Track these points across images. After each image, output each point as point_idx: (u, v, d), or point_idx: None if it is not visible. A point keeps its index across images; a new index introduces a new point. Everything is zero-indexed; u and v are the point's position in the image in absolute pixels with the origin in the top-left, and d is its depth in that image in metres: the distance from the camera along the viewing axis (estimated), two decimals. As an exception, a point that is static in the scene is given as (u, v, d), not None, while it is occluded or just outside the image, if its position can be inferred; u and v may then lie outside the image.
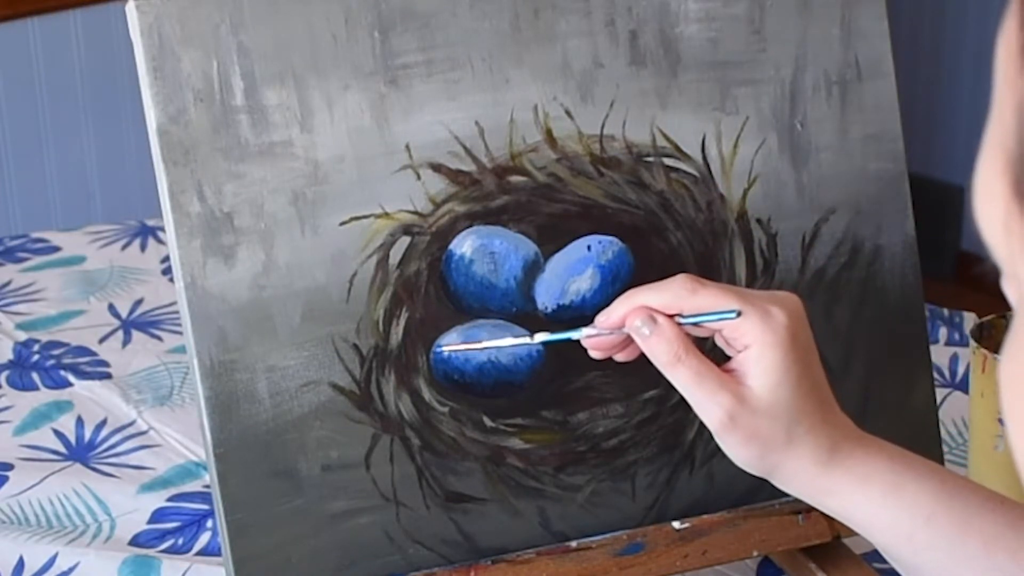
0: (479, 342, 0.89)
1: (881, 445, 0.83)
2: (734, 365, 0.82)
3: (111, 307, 1.44)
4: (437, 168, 0.90)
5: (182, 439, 1.22)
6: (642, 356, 0.84)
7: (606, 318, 0.84)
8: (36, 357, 1.35)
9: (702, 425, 0.82)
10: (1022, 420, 0.46)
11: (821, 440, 0.82)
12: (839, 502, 0.82)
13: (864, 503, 0.81)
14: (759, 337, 0.81)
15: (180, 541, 1.10)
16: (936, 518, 0.80)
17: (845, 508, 0.82)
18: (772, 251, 0.96)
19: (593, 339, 0.85)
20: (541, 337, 0.87)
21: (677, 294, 0.83)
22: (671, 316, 0.83)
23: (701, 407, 0.82)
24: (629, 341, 0.84)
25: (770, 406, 0.81)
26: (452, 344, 0.90)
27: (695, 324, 0.82)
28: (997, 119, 0.44)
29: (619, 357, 0.86)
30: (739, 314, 0.81)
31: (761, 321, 0.81)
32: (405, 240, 0.90)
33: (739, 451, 0.82)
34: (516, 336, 0.90)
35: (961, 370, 1.30)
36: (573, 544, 0.93)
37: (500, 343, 0.89)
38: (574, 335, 0.86)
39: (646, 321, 0.82)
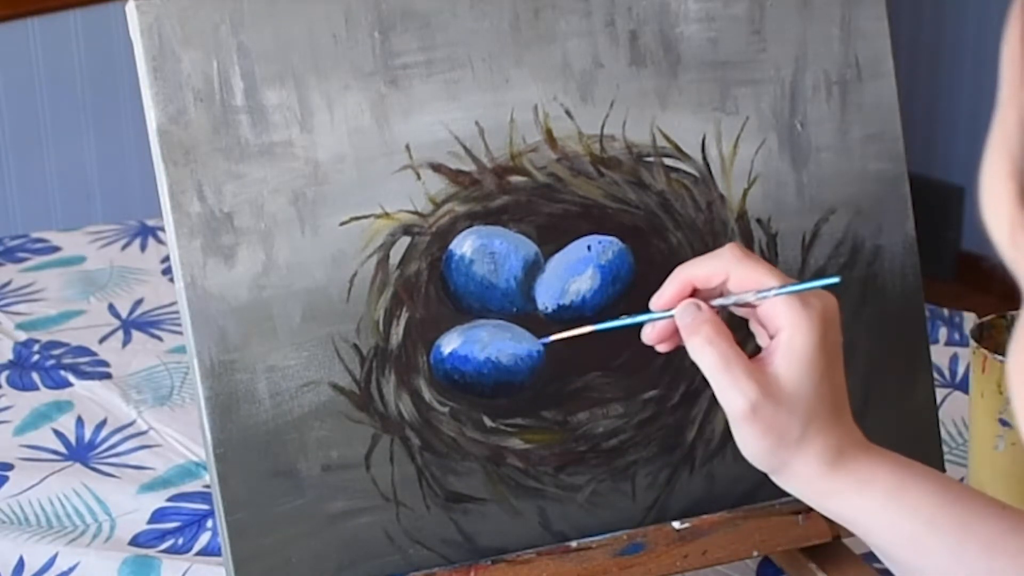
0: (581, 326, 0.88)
1: (885, 453, 0.83)
2: (762, 355, 0.81)
3: (111, 307, 1.44)
4: (437, 168, 0.90)
5: (182, 439, 1.22)
6: (644, 355, 0.84)
7: (658, 299, 0.84)
8: (36, 357, 1.34)
9: (703, 425, 0.82)
10: None
11: (830, 441, 0.81)
12: (839, 504, 0.82)
13: (865, 506, 0.81)
14: (793, 320, 0.80)
15: (180, 541, 1.10)
16: (937, 522, 0.80)
17: (845, 511, 0.82)
18: (772, 251, 0.96)
19: (654, 332, 0.84)
20: (605, 325, 0.87)
21: (727, 261, 0.82)
22: (722, 283, 0.82)
23: (725, 394, 0.80)
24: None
25: (790, 398, 0.80)
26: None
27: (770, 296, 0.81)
28: (1001, 126, 0.44)
29: None
30: (841, 280, 0.80)
31: (799, 304, 0.80)
32: (405, 240, 0.90)
33: (753, 443, 0.81)
34: (516, 336, 0.90)
35: (961, 370, 1.30)
36: (573, 544, 0.93)
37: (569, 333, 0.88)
38: (630, 321, 0.85)
39: (688, 309, 0.82)
